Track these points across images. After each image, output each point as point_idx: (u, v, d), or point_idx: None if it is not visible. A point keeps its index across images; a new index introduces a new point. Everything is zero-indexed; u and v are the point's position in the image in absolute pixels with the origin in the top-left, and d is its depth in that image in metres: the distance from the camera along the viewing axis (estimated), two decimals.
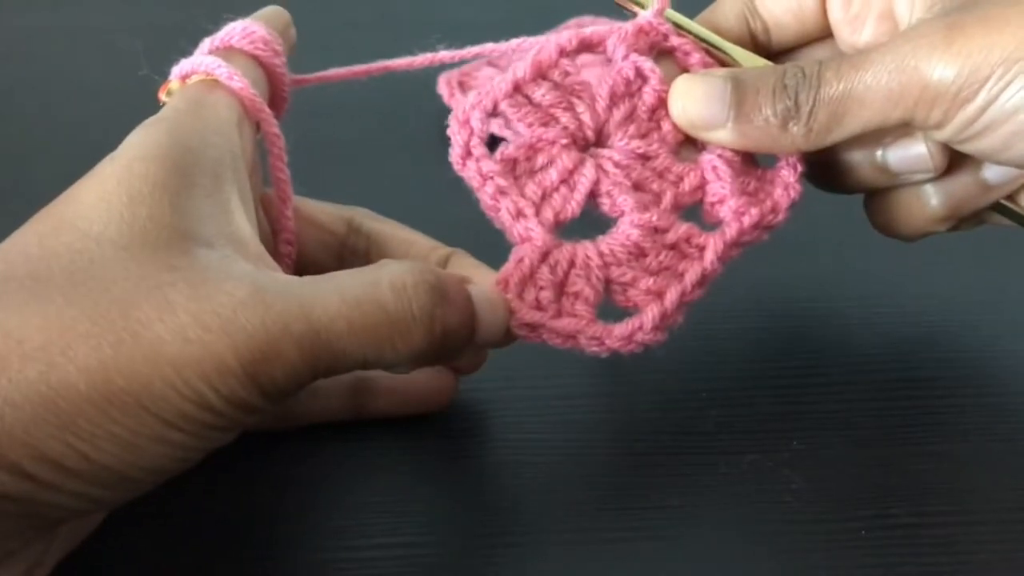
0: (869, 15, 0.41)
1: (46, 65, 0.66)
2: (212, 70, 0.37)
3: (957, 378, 0.43)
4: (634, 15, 0.41)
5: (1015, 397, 0.43)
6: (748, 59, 0.41)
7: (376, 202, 0.43)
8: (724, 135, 0.39)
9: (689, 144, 0.40)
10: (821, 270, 0.49)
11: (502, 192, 0.38)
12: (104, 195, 0.32)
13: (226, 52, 0.38)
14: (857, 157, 0.40)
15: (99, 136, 0.36)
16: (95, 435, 0.29)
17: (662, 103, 0.40)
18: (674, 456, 0.40)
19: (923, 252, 0.44)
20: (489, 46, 0.41)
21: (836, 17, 0.41)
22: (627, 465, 0.40)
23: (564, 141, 0.39)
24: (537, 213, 0.38)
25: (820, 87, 0.37)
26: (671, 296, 0.38)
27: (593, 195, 0.39)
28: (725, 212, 0.39)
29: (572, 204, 0.38)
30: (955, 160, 0.40)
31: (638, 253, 0.38)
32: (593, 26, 0.41)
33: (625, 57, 0.40)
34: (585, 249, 0.38)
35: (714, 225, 0.39)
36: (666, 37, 0.41)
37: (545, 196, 0.38)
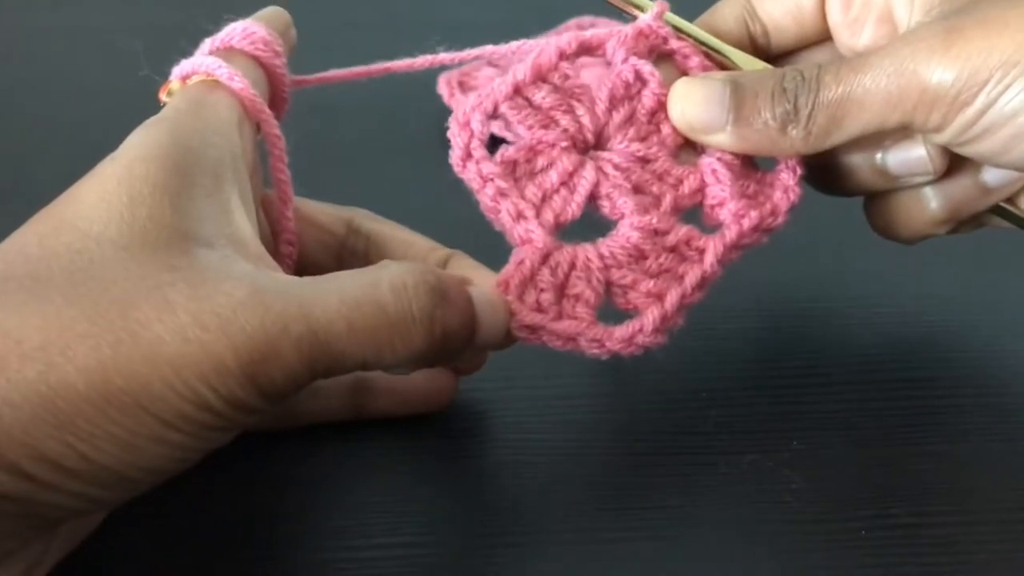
0: (868, 18, 0.41)
1: (46, 65, 0.66)
2: (213, 71, 0.37)
3: (957, 378, 0.43)
4: (634, 18, 0.41)
5: (1015, 397, 0.43)
6: (747, 62, 0.41)
7: (376, 203, 0.43)
8: (723, 138, 0.39)
9: (688, 147, 0.41)
10: (821, 270, 0.49)
11: (502, 194, 0.38)
12: (104, 195, 0.32)
13: (227, 53, 0.38)
14: (857, 160, 0.40)
15: (99, 136, 0.36)
16: (94, 435, 0.29)
17: (661, 106, 0.40)
18: (674, 456, 0.40)
19: (923, 252, 0.44)
20: (489, 48, 0.41)
21: (835, 20, 0.41)
22: (627, 465, 0.40)
23: (564, 144, 0.39)
24: (537, 215, 0.38)
25: (819, 90, 0.37)
26: (671, 298, 0.38)
27: (593, 197, 0.39)
28: (725, 215, 0.39)
29: (572, 206, 0.38)
30: (955, 163, 0.40)
31: (638, 255, 0.38)
32: (593, 27, 0.41)
33: (624, 60, 0.40)
34: (585, 251, 0.38)
35: (714, 228, 0.39)
36: (665, 40, 0.41)
37: (545, 198, 0.38)
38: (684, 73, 0.41)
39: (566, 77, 0.40)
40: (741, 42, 0.42)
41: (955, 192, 0.40)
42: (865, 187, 0.41)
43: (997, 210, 0.41)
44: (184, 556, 0.36)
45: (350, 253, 0.41)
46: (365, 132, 0.59)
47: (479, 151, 0.38)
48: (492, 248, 0.38)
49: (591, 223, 0.39)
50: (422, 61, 0.42)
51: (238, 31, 0.39)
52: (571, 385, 0.42)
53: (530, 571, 0.36)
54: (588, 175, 0.38)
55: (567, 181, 0.38)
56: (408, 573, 0.36)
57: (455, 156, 0.38)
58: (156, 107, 0.37)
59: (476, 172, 0.38)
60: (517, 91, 0.39)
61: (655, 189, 0.39)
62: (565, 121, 0.39)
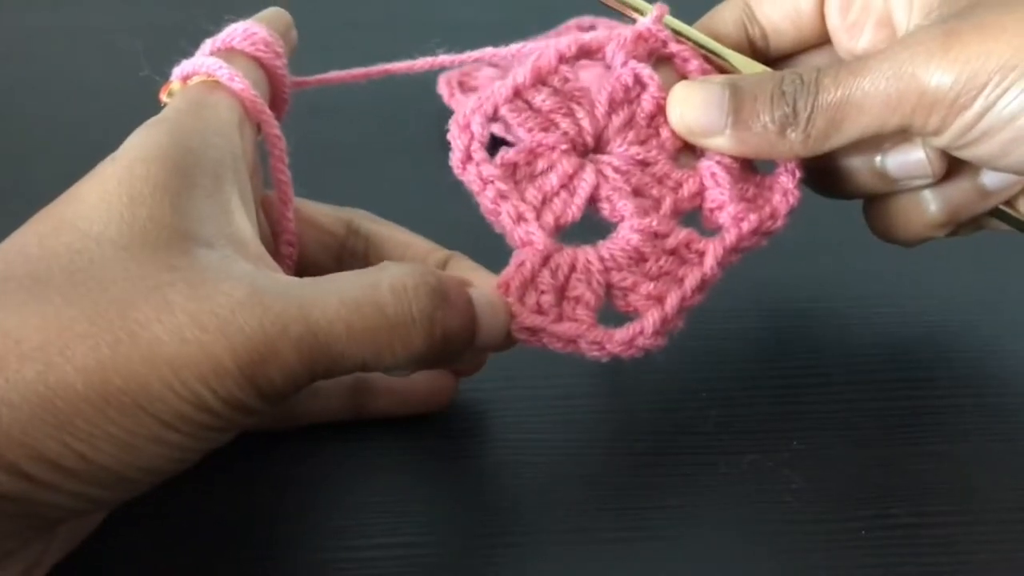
0: (867, 21, 0.41)
1: (46, 65, 0.66)
2: (213, 71, 0.37)
3: (957, 378, 0.43)
4: (633, 21, 0.41)
5: (1015, 397, 0.43)
6: (747, 65, 0.41)
7: (376, 204, 0.43)
8: (722, 141, 0.39)
9: (688, 150, 0.41)
10: (821, 271, 0.49)
11: (503, 196, 0.38)
12: (105, 195, 0.32)
13: (227, 53, 0.38)
14: (856, 163, 0.40)
15: (99, 136, 0.36)
16: (93, 435, 0.29)
17: (660, 110, 0.40)
18: (674, 456, 0.40)
19: (923, 253, 0.44)
20: (489, 51, 0.41)
21: (834, 23, 0.41)
22: (627, 465, 0.40)
23: (564, 146, 0.39)
24: (538, 217, 0.38)
25: (818, 93, 0.37)
26: (671, 301, 0.38)
27: (593, 200, 0.39)
28: (724, 218, 0.39)
29: (572, 208, 0.38)
30: (954, 166, 0.40)
31: (638, 258, 0.38)
32: (593, 28, 0.41)
33: (624, 64, 0.40)
34: (586, 253, 0.38)
35: (713, 231, 0.40)
36: (665, 43, 0.41)
37: (545, 200, 0.38)
38: (683, 76, 0.41)
39: (566, 80, 0.40)
40: (740, 45, 0.42)
41: (954, 195, 0.40)
42: (864, 190, 0.41)
43: (996, 213, 0.41)
44: (184, 556, 0.36)
45: (350, 254, 0.41)
46: (365, 133, 0.59)
47: (479, 153, 0.38)
48: (492, 250, 0.38)
49: (591, 225, 0.39)
50: (422, 63, 0.42)
51: (239, 32, 0.39)
52: (571, 385, 0.43)
53: (530, 571, 0.36)
54: (588, 178, 0.38)
55: (567, 184, 0.38)
56: (408, 573, 0.36)
57: (455, 158, 0.38)
58: (156, 107, 0.37)
59: (476, 174, 0.38)
60: (517, 94, 0.39)
61: (655, 192, 0.39)
62: (565, 124, 0.39)
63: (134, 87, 0.43)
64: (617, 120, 0.40)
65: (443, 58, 0.42)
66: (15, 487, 0.29)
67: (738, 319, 0.46)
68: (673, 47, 0.41)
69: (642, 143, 0.40)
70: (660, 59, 0.41)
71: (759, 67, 0.41)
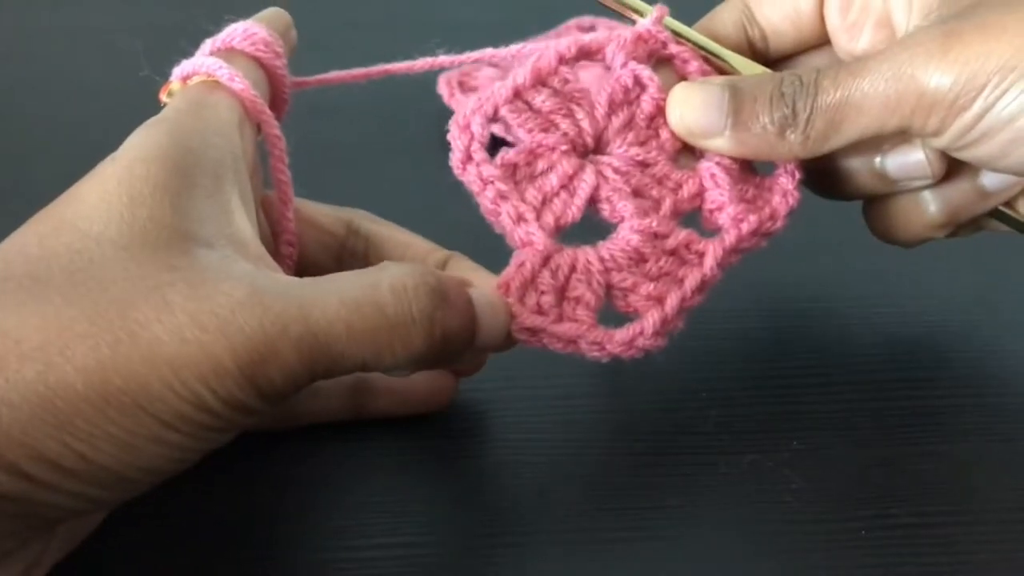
0: (867, 22, 0.41)
1: (46, 65, 0.66)
2: (213, 71, 0.37)
3: (957, 378, 0.43)
4: (633, 23, 0.41)
5: (1015, 397, 0.43)
6: (746, 66, 0.41)
7: (376, 205, 0.43)
8: (722, 143, 0.39)
9: (687, 152, 0.41)
10: (821, 270, 0.49)
11: (503, 196, 0.38)
12: (105, 196, 0.32)
13: (227, 53, 0.38)
14: (855, 164, 0.40)
15: (99, 136, 0.36)
16: (92, 435, 0.29)
17: (660, 111, 0.40)
18: (674, 456, 0.40)
19: (923, 253, 0.44)
20: (488, 51, 0.42)
21: (834, 24, 0.41)
22: (627, 465, 0.40)
23: (564, 147, 0.39)
24: (538, 218, 0.38)
25: (817, 95, 0.37)
26: (671, 302, 0.38)
27: (593, 201, 0.39)
28: (724, 219, 0.39)
29: (572, 209, 0.38)
30: (953, 167, 0.40)
31: (638, 258, 0.38)
32: (593, 28, 0.41)
33: (624, 65, 0.40)
34: (586, 254, 0.38)
35: (713, 232, 0.40)
36: (665, 45, 0.41)
37: (546, 201, 0.38)
38: (683, 78, 0.41)
39: (566, 81, 0.40)
40: (740, 46, 0.42)
41: (954, 196, 0.40)
42: (864, 191, 0.41)
43: (996, 214, 0.41)
44: (184, 556, 0.36)
45: (349, 254, 0.41)
46: (365, 133, 0.59)
47: (479, 154, 0.38)
48: (492, 250, 0.38)
49: (591, 226, 0.39)
50: (422, 64, 0.42)
51: (239, 32, 0.39)
52: (571, 385, 0.43)
53: (530, 571, 0.36)
54: (588, 178, 0.38)
55: (567, 184, 0.38)
56: (408, 573, 0.36)
57: (455, 159, 0.38)
58: (156, 107, 0.37)
59: (476, 175, 0.38)
60: (517, 95, 0.39)
61: (654, 193, 0.39)
62: (565, 125, 0.39)
63: (134, 87, 0.43)
64: (617, 121, 0.40)
65: (443, 59, 0.42)
66: (15, 487, 0.29)
67: (738, 319, 0.46)
68: (673, 48, 0.41)
69: (642, 144, 0.40)
70: (660, 60, 0.41)
71: (759, 68, 0.41)
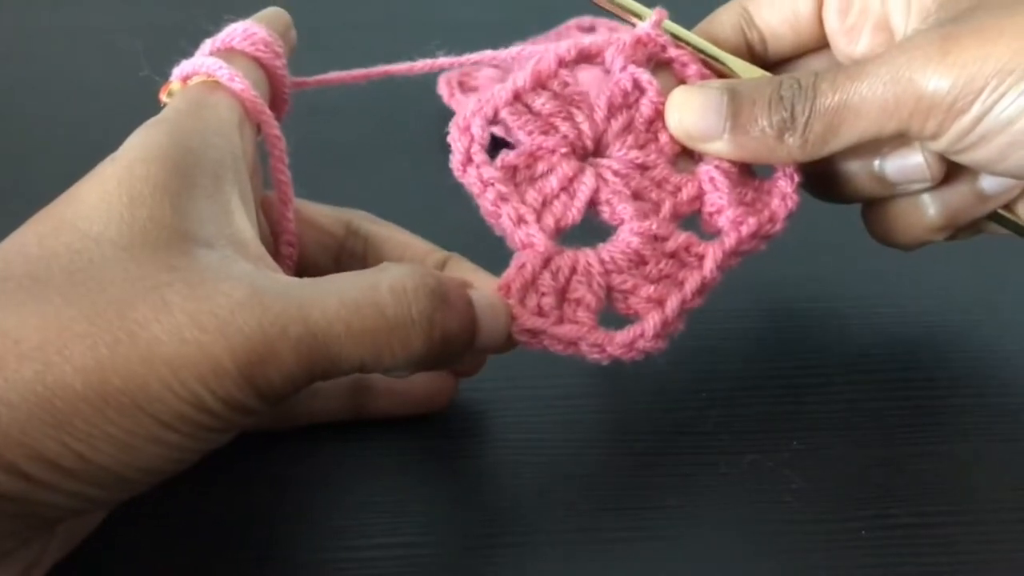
0: (865, 26, 0.41)
1: (46, 65, 0.66)
2: (213, 71, 0.37)
3: (957, 378, 0.43)
4: (633, 26, 0.41)
5: (1015, 397, 0.43)
6: (745, 70, 0.41)
7: (375, 205, 0.43)
8: (720, 146, 0.39)
9: (687, 155, 0.41)
10: (821, 271, 0.49)
11: (503, 198, 0.38)
12: (104, 196, 0.32)
13: (227, 53, 0.38)
14: (854, 167, 0.40)
15: (99, 136, 0.36)
16: (91, 435, 0.29)
17: (659, 115, 0.40)
18: (674, 456, 0.40)
19: (923, 253, 0.44)
20: (488, 53, 0.42)
21: (832, 28, 0.41)
22: (627, 465, 0.40)
23: (564, 150, 0.39)
24: (538, 219, 0.38)
25: (816, 98, 0.37)
26: (672, 304, 0.38)
27: (593, 203, 0.39)
28: (723, 222, 0.39)
29: (572, 211, 0.38)
30: (952, 170, 0.40)
31: (638, 261, 0.38)
32: (592, 29, 0.41)
33: (623, 68, 0.40)
34: (586, 256, 0.38)
35: (713, 234, 0.40)
36: (664, 48, 0.41)
37: (546, 203, 0.38)
38: (682, 81, 0.41)
39: (565, 84, 0.40)
40: (739, 50, 0.42)
41: (953, 199, 0.40)
42: (863, 194, 0.41)
43: (995, 217, 0.41)
44: (183, 556, 0.36)
45: (349, 255, 0.41)
46: (365, 134, 0.59)
47: (479, 156, 0.38)
48: (491, 252, 0.38)
49: (591, 228, 0.39)
50: (422, 65, 0.42)
51: (239, 32, 0.39)
52: (571, 385, 0.43)
53: (530, 571, 0.36)
54: (588, 181, 0.39)
55: (567, 187, 0.38)
56: (408, 573, 0.36)
57: (455, 161, 0.38)
58: (156, 107, 0.37)
59: (476, 176, 0.38)
60: (517, 97, 0.39)
61: (654, 196, 0.39)
62: (565, 127, 0.39)
63: (134, 87, 0.43)
64: (616, 124, 0.40)
65: (442, 60, 0.42)
66: (14, 487, 0.29)
67: (738, 319, 0.46)
68: (672, 52, 0.41)
69: (641, 147, 0.40)
70: (659, 64, 0.41)
71: (757, 72, 0.41)
